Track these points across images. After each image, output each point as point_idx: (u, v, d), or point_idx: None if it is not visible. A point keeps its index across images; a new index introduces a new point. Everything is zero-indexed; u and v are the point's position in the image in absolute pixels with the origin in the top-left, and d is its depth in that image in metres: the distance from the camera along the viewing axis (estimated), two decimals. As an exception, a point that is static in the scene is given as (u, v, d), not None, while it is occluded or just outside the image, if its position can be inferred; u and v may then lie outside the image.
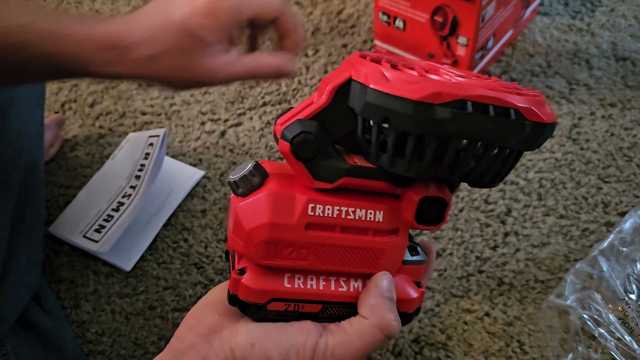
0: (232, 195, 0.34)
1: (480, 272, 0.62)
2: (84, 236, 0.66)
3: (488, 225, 0.66)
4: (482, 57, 0.79)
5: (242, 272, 0.33)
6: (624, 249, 0.57)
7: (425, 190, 0.33)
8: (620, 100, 0.77)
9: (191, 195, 0.73)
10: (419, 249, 0.37)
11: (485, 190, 0.69)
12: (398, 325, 0.33)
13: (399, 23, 0.80)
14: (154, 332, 0.61)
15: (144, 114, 0.84)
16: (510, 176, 0.70)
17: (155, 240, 0.69)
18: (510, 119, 0.29)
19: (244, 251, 0.33)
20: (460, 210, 0.68)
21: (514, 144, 0.30)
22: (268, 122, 0.80)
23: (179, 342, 0.34)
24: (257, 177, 0.32)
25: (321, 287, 0.34)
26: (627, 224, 0.59)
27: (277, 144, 0.33)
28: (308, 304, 0.34)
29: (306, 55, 0.89)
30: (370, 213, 0.33)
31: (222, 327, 0.33)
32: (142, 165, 0.71)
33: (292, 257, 0.32)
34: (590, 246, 0.63)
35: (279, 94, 0.84)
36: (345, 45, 0.89)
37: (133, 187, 0.69)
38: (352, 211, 0.33)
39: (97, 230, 0.66)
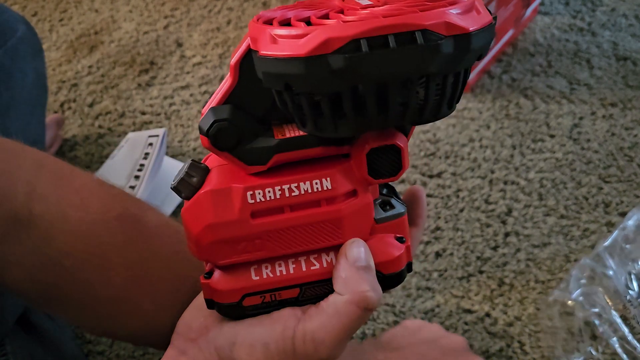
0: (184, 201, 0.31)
1: (481, 272, 0.62)
2: (84, 236, 0.66)
3: (488, 225, 0.66)
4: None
5: (209, 275, 0.32)
6: (627, 246, 0.57)
7: (370, 142, 0.30)
8: (621, 100, 0.77)
9: (191, 195, 0.73)
10: (393, 201, 0.34)
11: (485, 190, 0.69)
12: (375, 295, 0.30)
13: (399, 22, 0.80)
14: (154, 332, 0.61)
15: (143, 113, 0.84)
16: (511, 176, 0.70)
17: (154, 240, 0.69)
18: (417, 45, 0.25)
19: (198, 256, 0.31)
20: (461, 210, 0.67)
21: (437, 69, 0.26)
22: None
23: (172, 349, 0.34)
24: (195, 177, 0.31)
25: (292, 271, 0.32)
26: (631, 221, 0.59)
27: (202, 143, 0.31)
28: (284, 291, 0.32)
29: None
30: (316, 183, 0.30)
31: (208, 329, 0.33)
32: (142, 165, 0.71)
33: (249, 250, 0.31)
34: (592, 246, 0.63)
35: (278, 94, 0.84)
36: (345, 45, 0.89)
37: (132, 187, 0.69)
38: (295, 187, 0.30)
39: (97, 231, 0.66)
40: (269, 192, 0.30)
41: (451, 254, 0.64)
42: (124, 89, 0.88)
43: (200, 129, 0.30)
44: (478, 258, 0.63)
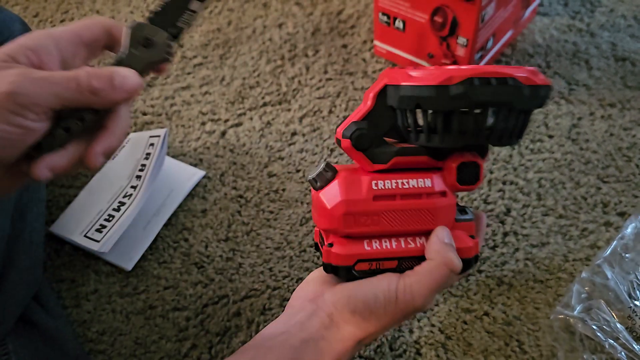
0: (312, 190, 0.44)
1: (480, 271, 0.63)
2: (85, 236, 0.67)
3: (487, 225, 0.66)
4: (481, 57, 0.79)
5: (330, 245, 0.43)
6: (626, 255, 0.57)
7: (460, 158, 0.43)
8: (619, 101, 0.77)
9: (192, 195, 0.73)
10: (467, 210, 0.46)
11: (484, 190, 0.69)
12: (459, 261, 0.40)
13: (399, 23, 0.80)
14: (155, 331, 0.62)
15: (144, 114, 0.84)
16: (510, 176, 0.70)
17: (155, 239, 0.69)
18: (508, 85, 0.39)
19: (329, 226, 0.43)
20: (460, 210, 0.68)
21: (517, 104, 0.39)
22: (268, 122, 0.81)
23: (291, 308, 0.43)
24: (330, 172, 0.43)
25: (394, 246, 0.43)
26: (629, 229, 0.59)
27: (339, 145, 0.43)
28: (386, 261, 0.43)
29: (306, 55, 0.89)
30: (421, 181, 0.43)
31: (323, 291, 0.43)
32: (143, 165, 0.71)
33: (367, 224, 0.42)
34: (590, 246, 0.63)
35: (279, 94, 0.84)
36: (345, 46, 0.89)
37: (134, 187, 0.69)
38: (406, 182, 0.43)
39: (98, 230, 0.67)
40: (387, 182, 0.43)
41: (450, 254, 0.64)
42: (125, 90, 0.89)
43: (344, 135, 0.43)
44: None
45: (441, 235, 0.42)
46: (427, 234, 0.43)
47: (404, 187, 0.43)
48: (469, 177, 0.43)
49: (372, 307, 0.40)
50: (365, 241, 0.43)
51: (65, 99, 0.33)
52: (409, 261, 0.43)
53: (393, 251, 0.43)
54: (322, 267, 0.45)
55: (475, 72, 0.39)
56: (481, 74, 0.39)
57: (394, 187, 0.42)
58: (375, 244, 0.43)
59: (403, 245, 0.43)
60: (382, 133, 0.43)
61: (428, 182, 0.43)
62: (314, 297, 0.43)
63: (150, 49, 0.36)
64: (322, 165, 0.43)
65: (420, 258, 0.43)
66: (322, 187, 0.43)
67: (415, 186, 0.43)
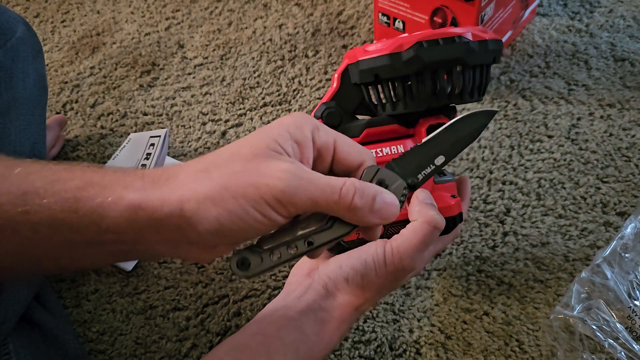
0: None
1: (480, 271, 0.63)
2: (86, 236, 0.67)
3: (487, 225, 0.66)
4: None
5: None
6: (626, 255, 0.57)
7: (429, 121, 0.45)
8: (618, 101, 0.78)
9: (192, 195, 0.73)
10: (446, 172, 0.48)
11: (484, 190, 0.69)
12: (441, 218, 0.41)
13: (399, 24, 0.80)
14: (155, 331, 0.62)
15: (145, 114, 0.85)
16: (509, 176, 0.70)
17: (156, 240, 0.69)
18: (456, 43, 0.42)
19: None
20: (460, 210, 0.68)
21: (469, 60, 0.42)
22: (269, 122, 0.81)
23: (289, 285, 0.45)
24: None
25: None
26: (628, 229, 0.59)
27: None
28: None
29: (306, 56, 0.89)
30: (394, 148, 0.46)
31: (317, 265, 0.44)
32: (144, 165, 0.71)
33: None
34: (590, 246, 0.63)
35: (279, 95, 0.84)
36: (345, 47, 0.90)
37: (134, 187, 0.69)
38: (379, 150, 0.46)
39: (99, 230, 0.67)
40: None
41: (450, 254, 0.64)
42: (126, 90, 0.89)
43: (315, 115, 0.46)
44: (477, 257, 0.64)
45: (421, 197, 0.42)
46: (408, 198, 0.43)
47: (379, 155, 0.45)
48: None
49: (362, 273, 0.41)
50: None
51: (319, 206, 0.33)
52: (394, 226, 0.45)
53: None
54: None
55: (423, 36, 0.42)
56: (429, 37, 0.42)
57: None
58: None
59: None
60: (351, 110, 0.46)
61: (401, 148, 0.46)
62: (309, 272, 0.45)
63: None
64: None
65: (404, 222, 0.42)
66: None
67: (389, 153, 0.45)
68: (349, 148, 0.36)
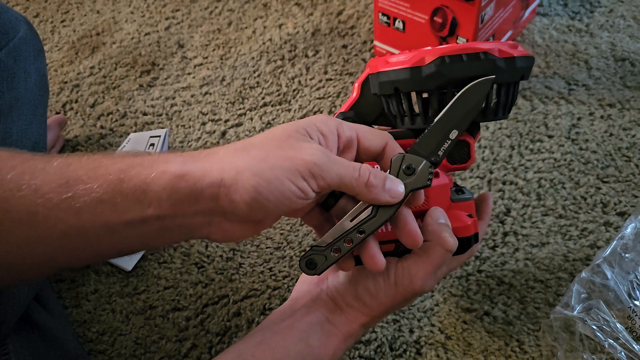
0: None
1: (480, 271, 0.63)
2: (85, 236, 0.67)
3: (487, 225, 0.66)
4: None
5: None
6: (626, 255, 0.57)
7: None
8: (619, 101, 0.78)
9: (192, 195, 0.73)
10: (464, 190, 0.47)
11: (484, 190, 0.69)
12: (453, 240, 0.41)
13: (399, 24, 0.80)
14: (155, 331, 0.62)
15: (145, 114, 0.85)
16: (510, 176, 0.70)
17: (156, 240, 0.69)
18: (481, 59, 0.39)
19: None
20: (460, 210, 0.68)
21: (495, 77, 0.39)
22: (268, 122, 0.81)
23: (297, 292, 0.45)
24: None
25: (390, 229, 0.43)
26: (629, 229, 0.59)
27: None
28: (384, 244, 0.43)
29: (306, 56, 0.89)
30: None
31: (327, 276, 0.44)
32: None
33: None
34: (590, 246, 0.63)
35: (279, 95, 0.84)
36: (345, 46, 0.90)
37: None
38: None
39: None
40: (377, 167, 0.41)
41: (450, 254, 0.64)
42: (126, 90, 0.89)
43: None
44: (477, 257, 0.64)
45: (435, 216, 0.42)
46: (422, 215, 0.43)
47: None
48: (459, 156, 0.44)
49: (372, 292, 0.41)
50: None
51: (344, 183, 0.37)
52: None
53: (389, 234, 0.43)
54: None
55: (447, 50, 0.40)
56: (453, 52, 0.39)
57: None
58: None
59: None
60: (370, 121, 0.45)
61: None
62: (318, 281, 0.45)
63: (412, 176, 0.39)
64: None
65: None
66: None
67: None
68: (370, 135, 0.39)
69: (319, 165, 0.35)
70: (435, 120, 0.40)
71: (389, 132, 0.43)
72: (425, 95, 0.42)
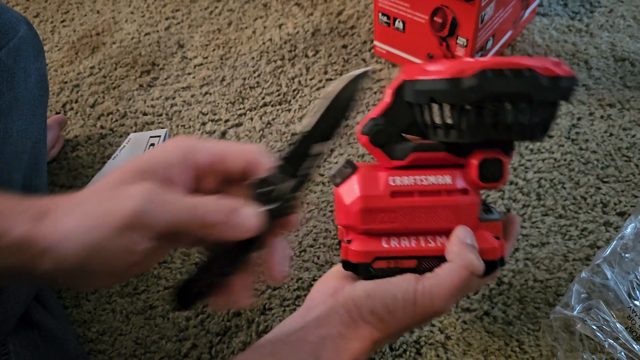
0: (335, 187, 0.43)
1: (480, 271, 0.63)
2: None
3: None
4: (481, 57, 0.79)
5: (348, 242, 0.43)
6: (626, 255, 0.57)
7: (483, 154, 0.41)
8: (619, 101, 0.78)
9: (192, 195, 0.73)
10: (493, 209, 0.45)
11: (483, 190, 0.69)
12: (480, 263, 0.39)
13: (399, 24, 0.80)
14: (155, 331, 0.62)
15: (145, 114, 0.85)
16: (509, 176, 0.70)
17: (156, 240, 0.69)
18: (524, 76, 0.37)
19: (347, 222, 0.42)
20: (460, 210, 0.68)
21: (536, 95, 0.37)
22: (268, 122, 0.81)
23: (311, 301, 0.43)
24: (349, 169, 0.42)
25: (413, 245, 0.42)
26: (628, 229, 0.59)
27: (360, 141, 0.42)
28: (405, 260, 0.42)
29: (306, 56, 0.89)
30: (440, 177, 0.41)
31: (343, 286, 0.42)
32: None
33: (385, 221, 0.41)
34: (589, 246, 0.63)
35: (279, 95, 0.84)
36: (345, 46, 0.90)
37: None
38: (424, 178, 0.41)
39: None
40: (405, 179, 0.41)
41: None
42: (126, 90, 0.89)
43: (362, 131, 0.42)
44: (477, 257, 0.64)
45: (462, 236, 0.40)
46: (448, 233, 0.41)
47: (422, 183, 0.41)
48: (492, 174, 0.41)
49: (390, 308, 0.40)
50: (384, 239, 0.42)
51: (180, 226, 0.32)
52: (428, 261, 0.42)
53: (412, 250, 0.42)
54: (337, 265, 0.44)
55: (489, 63, 0.37)
56: (495, 66, 0.37)
57: (411, 183, 0.41)
58: (394, 242, 0.42)
59: (423, 244, 0.42)
60: (400, 129, 0.42)
61: (448, 179, 0.41)
62: (333, 292, 0.42)
63: (274, 202, 0.35)
64: (342, 161, 0.42)
65: (440, 258, 0.41)
66: (341, 183, 0.42)
67: (434, 183, 0.41)
68: (235, 154, 0.35)
69: (138, 213, 0.30)
70: (301, 133, 0.37)
71: (418, 143, 0.42)
72: (461, 107, 0.39)
